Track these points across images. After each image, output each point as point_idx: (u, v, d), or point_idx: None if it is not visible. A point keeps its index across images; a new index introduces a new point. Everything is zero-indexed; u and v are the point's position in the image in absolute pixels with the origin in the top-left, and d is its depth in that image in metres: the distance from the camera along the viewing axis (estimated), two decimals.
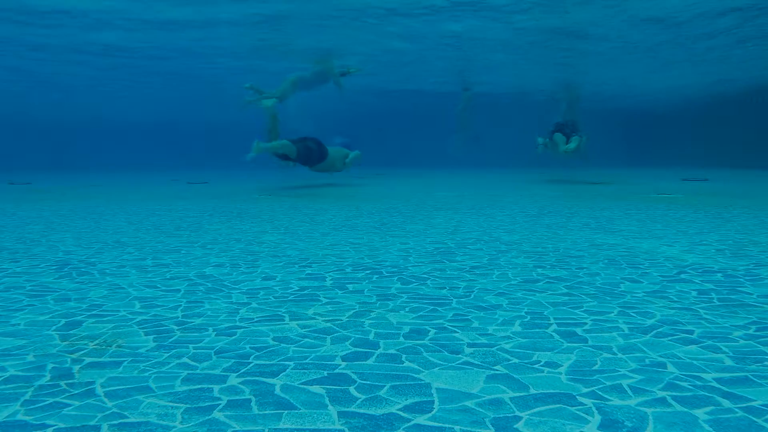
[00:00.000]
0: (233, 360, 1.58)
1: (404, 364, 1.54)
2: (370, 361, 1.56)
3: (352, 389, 1.38)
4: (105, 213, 5.81)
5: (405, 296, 2.27)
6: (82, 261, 3.12)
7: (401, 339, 1.75)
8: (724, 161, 19.99)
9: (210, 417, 1.24)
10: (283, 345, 1.70)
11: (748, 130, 20.99)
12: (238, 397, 1.34)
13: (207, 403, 1.31)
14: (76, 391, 1.37)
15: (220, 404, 1.30)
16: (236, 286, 2.48)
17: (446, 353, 1.62)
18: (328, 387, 1.39)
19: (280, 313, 2.05)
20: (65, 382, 1.43)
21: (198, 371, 1.50)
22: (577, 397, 1.32)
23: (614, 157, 24.35)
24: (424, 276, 2.65)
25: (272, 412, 1.26)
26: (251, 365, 1.54)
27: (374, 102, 21.59)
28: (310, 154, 9.96)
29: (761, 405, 1.27)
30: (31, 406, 1.30)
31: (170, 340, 1.76)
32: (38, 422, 1.22)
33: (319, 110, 22.44)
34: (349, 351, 1.65)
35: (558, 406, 1.28)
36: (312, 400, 1.32)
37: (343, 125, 24.77)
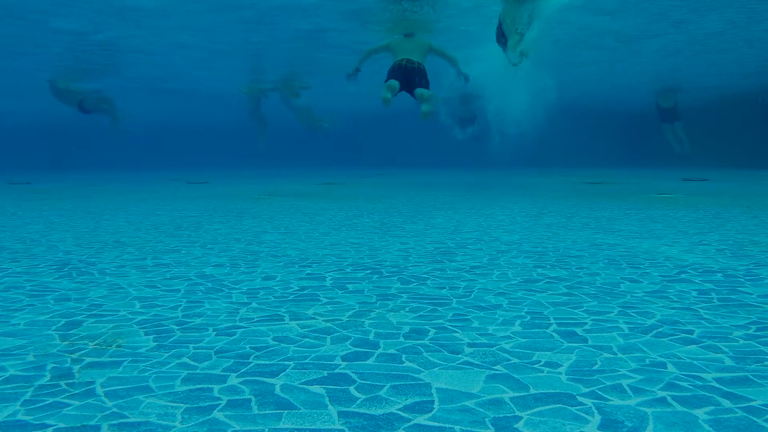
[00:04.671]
0: (233, 360, 1.58)
1: (404, 364, 1.53)
2: (370, 361, 1.56)
3: (352, 389, 1.38)
4: (105, 213, 5.81)
5: (405, 296, 2.27)
6: (82, 261, 3.12)
7: (401, 339, 1.75)
8: (725, 161, 20.00)
9: (210, 417, 1.24)
10: (283, 345, 1.70)
11: (748, 130, 21.00)
12: (238, 397, 1.34)
13: (207, 403, 1.31)
14: (76, 391, 1.37)
15: (220, 404, 1.30)
16: (236, 286, 2.48)
17: (446, 353, 1.62)
18: (328, 387, 1.39)
19: (280, 313, 2.05)
20: (65, 382, 1.43)
21: (198, 371, 1.50)
22: (577, 397, 1.32)
23: (614, 158, 24.37)
24: (424, 276, 2.65)
25: (272, 412, 1.26)
26: (251, 365, 1.54)
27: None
28: None
29: (761, 405, 1.27)
30: (31, 406, 1.30)
31: (170, 340, 1.76)
32: (38, 422, 1.22)
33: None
34: (349, 351, 1.65)
35: (558, 406, 1.28)
36: (312, 400, 1.32)
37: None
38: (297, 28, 11.64)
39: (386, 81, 7.99)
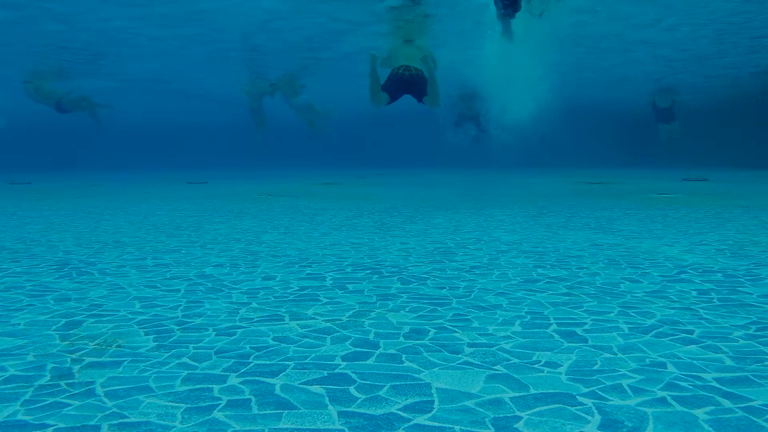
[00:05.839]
0: (233, 360, 1.58)
1: (404, 364, 1.53)
2: (370, 361, 1.56)
3: (352, 389, 1.38)
4: (105, 213, 5.81)
5: (405, 296, 2.27)
6: (82, 261, 3.12)
7: (401, 339, 1.75)
8: (724, 161, 20.02)
9: (210, 417, 1.24)
10: (283, 345, 1.70)
11: (748, 130, 21.00)
12: (238, 397, 1.34)
13: (207, 403, 1.30)
14: (76, 391, 1.37)
15: (220, 404, 1.30)
16: (236, 286, 2.48)
17: (446, 353, 1.62)
18: (328, 387, 1.39)
19: (280, 313, 2.05)
20: (65, 382, 1.43)
21: (198, 371, 1.50)
22: (577, 397, 1.32)
23: (614, 158, 24.39)
24: (424, 276, 2.65)
25: (272, 412, 1.26)
26: (251, 365, 1.54)
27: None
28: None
29: (761, 405, 1.27)
30: (31, 406, 1.30)
31: (170, 340, 1.76)
32: (38, 422, 1.22)
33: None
34: (349, 351, 1.65)
35: (558, 406, 1.28)
36: (312, 400, 1.32)
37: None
38: (297, 27, 11.64)
39: (380, 89, 8.27)
